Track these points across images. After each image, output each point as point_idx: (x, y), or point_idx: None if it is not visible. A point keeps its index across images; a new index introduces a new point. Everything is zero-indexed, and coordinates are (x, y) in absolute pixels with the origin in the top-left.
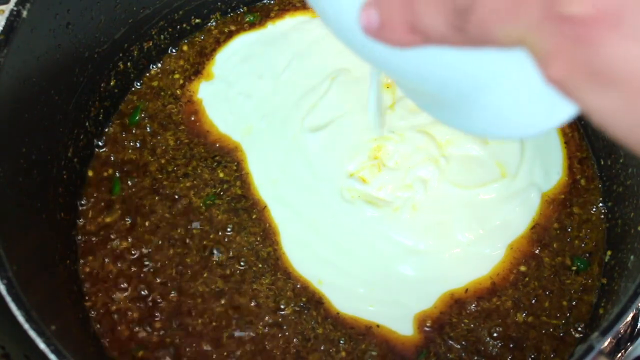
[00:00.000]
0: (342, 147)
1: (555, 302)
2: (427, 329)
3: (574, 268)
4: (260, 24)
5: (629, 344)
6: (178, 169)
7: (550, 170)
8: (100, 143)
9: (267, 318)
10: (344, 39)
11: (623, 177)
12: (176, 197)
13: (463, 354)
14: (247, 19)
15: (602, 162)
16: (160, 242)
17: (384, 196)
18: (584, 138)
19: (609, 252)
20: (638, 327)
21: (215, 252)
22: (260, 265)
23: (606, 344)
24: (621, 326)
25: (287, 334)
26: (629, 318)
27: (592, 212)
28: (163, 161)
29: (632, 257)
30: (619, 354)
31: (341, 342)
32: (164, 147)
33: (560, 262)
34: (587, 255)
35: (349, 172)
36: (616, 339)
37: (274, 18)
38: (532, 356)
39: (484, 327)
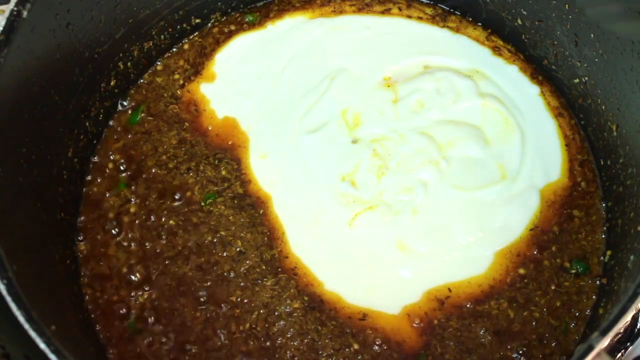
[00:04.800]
0: (336, 150)
1: (554, 303)
2: (419, 326)
3: (573, 271)
4: (260, 24)
5: (629, 343)
6: (180, 165)
7: (550, 172)
8: (100, 143)
9: (273, 316)
10: None
11: (623, 177)
12: (180, 192)
13: (459, 355)
14: (247, 19)
15: (602, 163)
16: (162, 241)
17: (383, 200)
18: (585, 140)
19: (609, 252)
20: (638, 327)
21: (220, 248)
22: (264, 267)
23: (606, 344)
24: (621, 326)
25: (293, 332)
26: (629, 318)
27: (592, 215)
28: (164, 158)
29: (632, 257)
30: (619, 354)
31: (347, 331)
32: (165, 146)
33: (559, 264)
34: (586, 258)
35: (341, 175)
36: (616, 338)
37: (274, 18)
38: (531, 356)
39: (481, 327)
